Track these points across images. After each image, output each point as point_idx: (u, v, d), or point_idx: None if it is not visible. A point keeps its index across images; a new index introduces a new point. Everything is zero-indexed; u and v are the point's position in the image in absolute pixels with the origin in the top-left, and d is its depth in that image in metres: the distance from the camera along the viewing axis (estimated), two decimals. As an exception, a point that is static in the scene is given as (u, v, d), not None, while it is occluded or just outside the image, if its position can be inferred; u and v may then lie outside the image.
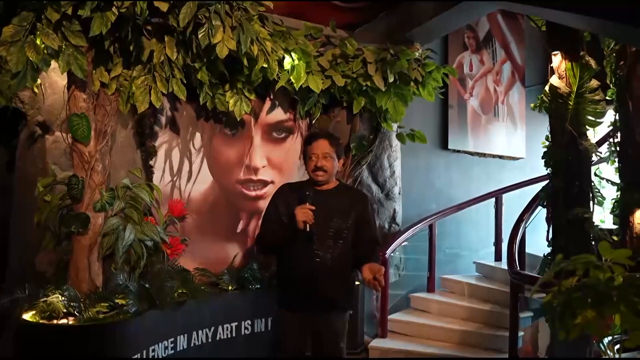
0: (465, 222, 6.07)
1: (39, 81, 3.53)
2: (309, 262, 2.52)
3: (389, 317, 4.94)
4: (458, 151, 6.18)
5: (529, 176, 5.84)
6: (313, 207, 2.46)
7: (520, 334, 4.34)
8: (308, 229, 2.44)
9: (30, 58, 2.72)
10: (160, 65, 3.45)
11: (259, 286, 4.30)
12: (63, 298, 3.05)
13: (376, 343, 4.59)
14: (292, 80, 4.10)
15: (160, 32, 3.41)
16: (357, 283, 4.71)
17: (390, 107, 4.36)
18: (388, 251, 4.78)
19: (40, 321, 2.99)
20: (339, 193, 2.68)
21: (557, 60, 4.04)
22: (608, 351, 2.03)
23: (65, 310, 3.03)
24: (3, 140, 4.74)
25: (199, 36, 3.16)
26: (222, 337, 4.00)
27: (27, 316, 3.05)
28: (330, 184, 2.70)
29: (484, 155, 6.40)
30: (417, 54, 4.47)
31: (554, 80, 4.02)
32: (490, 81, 6.52)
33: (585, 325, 1.39)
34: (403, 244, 5.24)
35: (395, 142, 5.22)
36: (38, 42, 2.75)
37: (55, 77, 3.70)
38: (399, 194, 5.35)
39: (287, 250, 2.59)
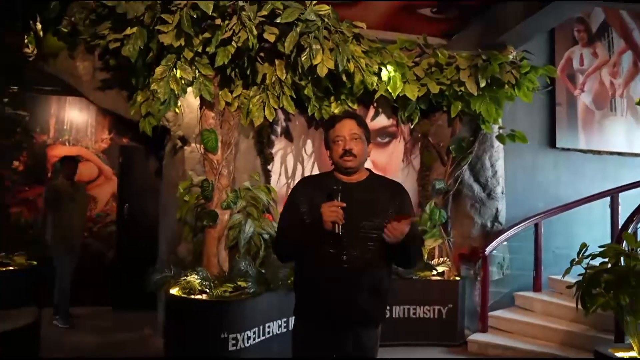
0: (577, 222, 5.87)
1: (179, 103, 4.34)
2: (336, 269, 2.07)
3: (492, 313, 5.06)
4: (567, 149, 6.00)
5: (659, 173, 5.49)
6: (343, 204, 2.02)
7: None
8: (337, 230, 2.01)
9: (173, 88, 3.48)
10: (272, 84, 4.06)
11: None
12: (198, 278, 3.78)
13: (475, 337, 4.76)
14: (390, 90, 4.48)
15: (271, 57, 4.02)
16: (457, 279, 4.95)
17: (483, 111, 4.52)
18: (488, 249, 4.92)
19: (182, 295, 3.76)
20: (370, 185, 2.19)
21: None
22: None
23: (199, 288, 3.76)
24: (154, 151, 5.81)
25: (302, 59, 3.69)
26: (328, 321, 4.49)
27: (173, 291, 3.84)
28: (360, 174, 2.20)
29: (598, 152, 6.13)
30: (510, 56, 4.56)
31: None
32: (605, 74, 6.21)
33: (604, 303, 1.55)
34: (507, 243, 5.32)
35: (497, 143, 5.31)
36: (178, 75, 3.50)
37: (191, 99, 4.51)
38: (502, 193, 5.43)
39: (309, 255, 2.13)
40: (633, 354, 2.67)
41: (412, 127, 5.28)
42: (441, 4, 4.49)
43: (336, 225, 2.00)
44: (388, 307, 4.69)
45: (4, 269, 4.19)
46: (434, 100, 4.83)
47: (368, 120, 5.28)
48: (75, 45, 4.15)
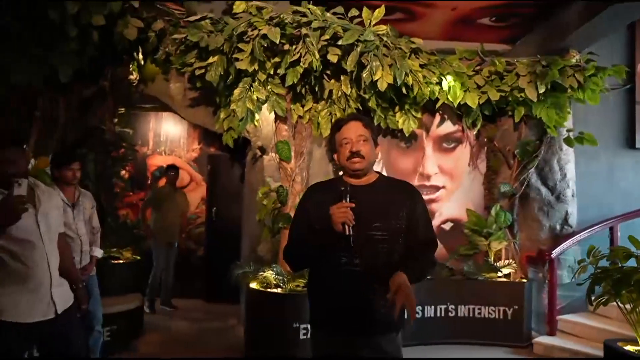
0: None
1: (257, 117, 4.85)
2: (347, 273, 2.02)
3: (563, 317, 5.04)
4: (651, 149, 5.77)
5: None
6: (352, 205, 1.97)
7: None
8: (348, 232, 1.96)
9: (249, 107, 3.99)
10: (338, 99, 4.44)
11: (429, 277, 4.93)
12: (273, 273, 4.25)
13: (541, 339, 4.79)
14: (450, 98, 4.69)
15: (337, 73, 4.41)
16: (524, 281, 5.01)
17: (543, 116, 4.58)
18: (555, 251, 4.92)
19: (260, 288, 4.25)
20: (381, 188, 2.14)
21: None
22: None
23: (275, 283, 4.23)
24: (238, 159, 6.41)
25: (363, 75, 4.04)
26: (394, 318, 4.78)
27: (252, 285, 4.34)
28: (370, 176, 2.15)
29: (687, 153, 5.83)
30: (574, 60, 4.57)
31: None
32: (695, 69, 5.87)
33: (607, 300, 1.70)
34: (579, 246, 5.26)
35: (567, 146, 5.28)
36: (253, 96, 4.00)
37: (267, 114, 5.01)
38: (572, 196, 5.38)
39: (321, 260, 2.08)
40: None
41: (477, 132, 5.41)
42: (500, 13, 4.62)
43: (346, 226, 1.96)
44: (453, 306, 4.92)
45: (115, 262, 4.96)
46: (495, 107, 4.95)
47: (434, 128, 5.50)
48: (169, 71, 4.80)
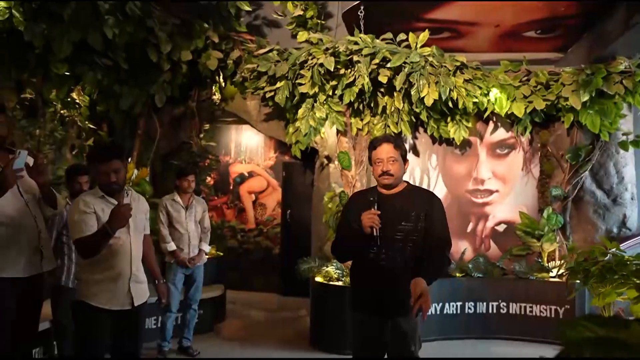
0: None
1: (322, 130, 5.45)
2: (376, 266, 2.50)
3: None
4: None
5: None
6: (378, 212, 2.44)
7: None
8: (375, 234, 2.43)
9: (311, 125, 4.61)
10: (391, 113, 4.93)
11: (481, 275, 5.28)
12: (334, 269, 4.83)
13: (594, 337, 4.94)
14: (497, 109, 5.01)
15: (390, 90, 4.91)
16: (576, 281, 5.18)
17: (588, 123, 4.75)
18: (608, 254, 5.06)
19: (323, 281, 4.84)
20: (406, 195, 2.59)
21: None
22: None
23: (335, 276, 4.81)
24: (309, 166, 7.06)
25: (411, 92, 4.51)
26: (447, 313, 5.17)
27: (317, 278, 4.95)
28: (398, 186, 2.61)
29: None
30: (622, 66, 4.70)
31: None
32: None
33: (577, 289, 2.00)
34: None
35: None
36: (315, 114, 4.62)
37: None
38: (632, 199, 5.44)
39: (357, 255, 2.62)
40: None
41: (530, 137, 5.63)
42: (544, 26, 4.87)
43: (374, 229, 2.44)
44: (505, 304, 5.21)
45: (202, 257, 5.79)
46: (544, 114, 5.17)
47: (487, 135, 5.79)
48: (246, 91, 5.56)
